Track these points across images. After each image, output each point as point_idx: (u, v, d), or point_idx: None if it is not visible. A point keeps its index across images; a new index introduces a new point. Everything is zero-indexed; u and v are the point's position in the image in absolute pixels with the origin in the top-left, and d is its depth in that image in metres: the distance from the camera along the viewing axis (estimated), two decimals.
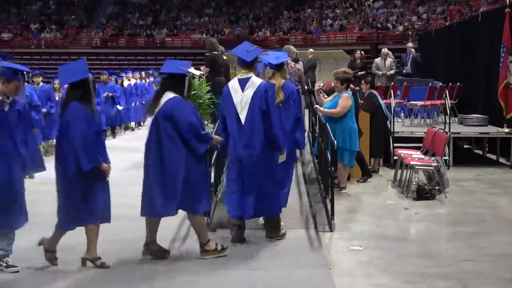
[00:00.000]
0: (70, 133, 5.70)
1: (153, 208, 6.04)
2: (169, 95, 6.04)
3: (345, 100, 9.14)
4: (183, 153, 5.99)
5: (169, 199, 5.99)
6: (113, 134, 17.53)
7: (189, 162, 6.02)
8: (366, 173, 10.35)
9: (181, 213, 6.25)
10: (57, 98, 13.33)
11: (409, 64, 16.69)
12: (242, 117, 6.57)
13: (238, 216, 6.68)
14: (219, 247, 6.26)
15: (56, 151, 6.02)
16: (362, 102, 11.00)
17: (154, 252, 6.19)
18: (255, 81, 6.63)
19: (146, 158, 6.11)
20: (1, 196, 5.73)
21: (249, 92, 6.56)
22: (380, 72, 16.57)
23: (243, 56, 6.68)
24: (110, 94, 17.10)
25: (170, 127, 5.97)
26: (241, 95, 6.59)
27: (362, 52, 18.19)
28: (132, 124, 19.81)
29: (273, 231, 6.87)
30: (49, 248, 5.95)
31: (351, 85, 10.22)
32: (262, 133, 6.55)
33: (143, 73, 21.65)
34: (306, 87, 11.53)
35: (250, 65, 6.70)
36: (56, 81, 13.58)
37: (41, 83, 13.16)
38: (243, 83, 6.62)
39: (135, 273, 5.79)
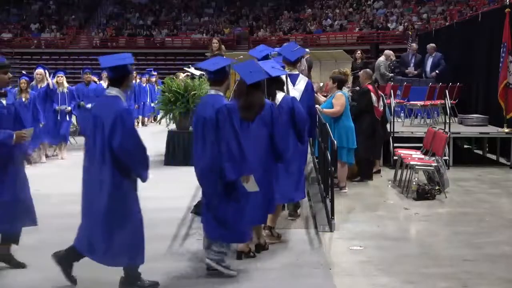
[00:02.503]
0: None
1: (285, 194, 6.62)
2: (282, 93, 6.57)
3: (338, 99, 9.19)
4: (296, 144, 6.59)
5: (297, 183, 6.71)
6: None
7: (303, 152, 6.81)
8: (363, 176, 10.34)
9: (181, 211, 6.24)
10: (23, 99, 11.79)
11: (412, 65, 16.61)
12: None
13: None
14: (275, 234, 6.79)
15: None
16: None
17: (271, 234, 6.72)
18: (304, 78, 7.41)
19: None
20: None
21: (300, 86, 7.30)
22: (390, 75, 16.41)
23: (288, 56, 7.35)
24: (82, 103, 14.59)
25: (290, 120, 6.50)
26: (293, 88, 7.24)
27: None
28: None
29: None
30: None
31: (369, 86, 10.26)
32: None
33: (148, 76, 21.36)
34: None
35: (294, 64, 7.43)
36: (23, 79, 12.16)
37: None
38: (293, 78, 7.32)
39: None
